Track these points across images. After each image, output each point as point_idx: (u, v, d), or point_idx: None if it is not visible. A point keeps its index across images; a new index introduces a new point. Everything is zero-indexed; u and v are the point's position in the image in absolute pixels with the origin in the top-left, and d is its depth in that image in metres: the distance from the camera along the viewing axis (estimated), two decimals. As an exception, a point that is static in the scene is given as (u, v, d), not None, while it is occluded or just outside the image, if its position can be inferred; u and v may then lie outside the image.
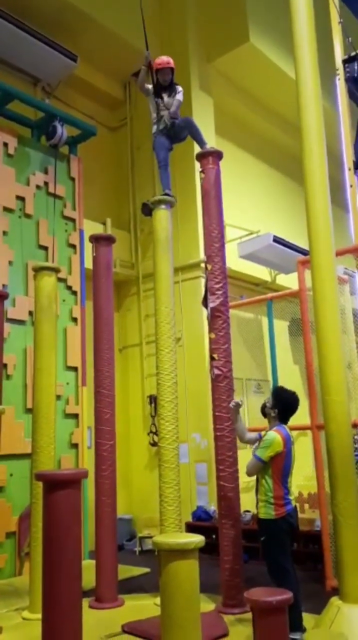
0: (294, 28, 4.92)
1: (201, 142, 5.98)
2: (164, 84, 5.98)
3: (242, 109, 10.76)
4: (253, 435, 4.68)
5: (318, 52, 4.95)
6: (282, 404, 4.38)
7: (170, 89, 5.98)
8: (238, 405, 4.68)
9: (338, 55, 6.95)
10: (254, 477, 4.43)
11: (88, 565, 5.58)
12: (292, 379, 9.00)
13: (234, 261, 9.00)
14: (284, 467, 4.22)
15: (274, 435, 4.23)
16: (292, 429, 4.59)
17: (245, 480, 5.36)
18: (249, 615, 3.56)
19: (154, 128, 6.05)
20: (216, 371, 5.33)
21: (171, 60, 6.01)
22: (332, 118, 8.02)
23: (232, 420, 4.86)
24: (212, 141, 8.97)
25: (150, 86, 6.05)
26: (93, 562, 5.68)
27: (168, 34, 9.70)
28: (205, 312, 5.80)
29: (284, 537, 4.16)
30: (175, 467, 5.28)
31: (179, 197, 8.46)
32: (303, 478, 7.76)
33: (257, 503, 4.28)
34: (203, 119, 9.22)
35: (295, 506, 4.32)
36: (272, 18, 9.64)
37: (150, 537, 8.12)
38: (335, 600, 4.08)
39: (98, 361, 5.93)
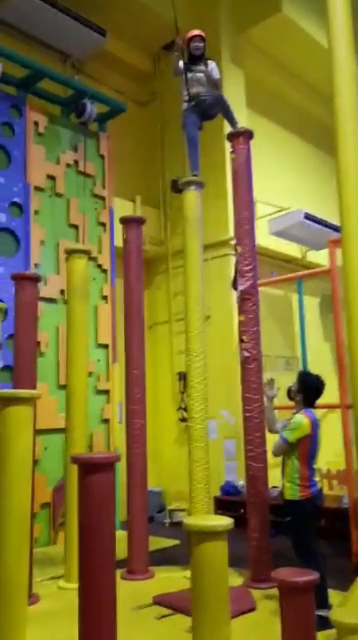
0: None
1: (232, 121, 5.92)
2: (196, 53, 5.92)
3: (274, 81, 10.53)
4: (281, 424, 4.73)
5: (352, 21, 4.83)
6: (306, 389, 4.44)
7: (203, 63, 5.92)
8: (271, 383, 4.68)
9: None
10: (280, 458, 4.52)
11: (119, 536, 5.77)
12: (322, 356, 9.01)
13: (264, 238, 8.94)
14: (310, 450, 4.29)
15: (302, 419, 4.30)
16: (321, 407, 4.63)
17: (272, 457, 5.44)
18: (276, 590, 3.67)
19: (185, 105, 6.00)
20: (245, 353, 5.39)
21: (203, 32, 5.99)
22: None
23: (266, 399, 4.86)
24: (243, 115, 8.83)
25: (181, 63, 5.98)
26: (124, 533, 5.86)
27: (198, 5, 9.47)
28: (234, 291, 5.82)
29: (310, 518, 4.26)
30: (204, 446, 5.40)
31: (208, 174, 8.38)
32: (332, 454, 7.81)
33: (283, 484, 4.37)
34: (235, 92, 9.06)
35: (321, 488, 4.39)
36: (305, -14, 9.36)
37: (180, 510, 8.33)
38: (361, 579, 4.17)
39: (129, 342, 6.02)
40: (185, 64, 5.94)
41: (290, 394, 4.61)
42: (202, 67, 5.95)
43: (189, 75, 5.91)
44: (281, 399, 5.28)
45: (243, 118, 8.67)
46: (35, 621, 4.10)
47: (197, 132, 6.00)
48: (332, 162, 5.55)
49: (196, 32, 6.04)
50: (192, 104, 5.92)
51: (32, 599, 4.73)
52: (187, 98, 5.95)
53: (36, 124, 7.51)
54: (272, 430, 4.84)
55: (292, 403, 4.67)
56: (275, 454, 4.46)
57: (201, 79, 5.88)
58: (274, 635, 3.44)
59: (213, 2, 9.35)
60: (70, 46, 8.48)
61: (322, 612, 3.88)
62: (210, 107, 5.96)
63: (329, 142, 5.69)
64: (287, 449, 4.34)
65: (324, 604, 4.06)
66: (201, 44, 5.97)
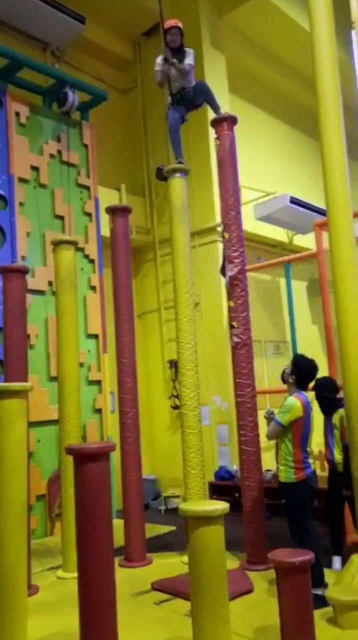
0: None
1: (215, 107, 5.89)
2: (173, 46, 5.83)
3: (256, 65, 10.47)
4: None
5: (333, 3, 4.81)
6: (300, 371, 4.48)
7: (180, 54, 5.84)
8: (270, 413, 4.69)
9: (355, 8, 6.69)
10: (274, 441, 4.57)
11: (116, 525, 5.82)
12: (310, 339, 9.07)
13: (251, 223, 8.95)
14: (303, 432, 4.34)
15: (294, 401, 4.34)
16: (312, 389, 4.69)
17: (265, 440, 5.51)
18: (272, 571, 3.72)
19: (169, 99, 5.98)
20: (236, 339, 5.41)
21: (179, 22, 5.87)
22: (348, 71, 7.79)
23: (268, 422, 4.78)
24: (225, 100, 8.80)
25: (162, 60, 5.87)
26: (121, 521, 5.91)
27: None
28: (222, 278, 5.83)
29: (305, 500, 4.31)
30: (197, 432, 5.44)
31: (193, 161, 8.39)
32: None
33: (278, 467, 4.43)
34: (216, 77, 9.02)
35: (315, 470, 4.44)
36: (285, -33, 9.29)
37: (175, 497, 8.40)
38: (356, 557, 4.23)
39: (119, 332, 6.02)
40: (165, 59, 5.83)
41: (283, 376, 4.66)
42: (181, 57, 5.84)
43: (169, 70, 5.83)
44: (274, 382, 5.34)
45: (226, 103, 8.65)
46: (36, 611, 4.15)
47: (179, 120, 5.96)
48: (315, 146, 5.59)
49: (172, 22, 5.83)
50: (177, 97, 5.90)
51: (32, 590, 4.75)
52: (173, 92, 5.91)
53: (17, 114, 7.41)
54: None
55: (285, 387, 4.72)
56: (269, 437, 4.52)
57: (181, 69, 5.80)
58: (272, 615, 3.51)
59: (192, -14, 9.26)
60: (50, 34, 8.37)
61: (318, 591, 3.95)
62: (195, 97, 5.92)
63: (312, 125, 5.71)
64: (280, 432, 4.38)
65: (320, 583, 4.13)
66: (178, 37, 5.83)
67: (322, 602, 3.90)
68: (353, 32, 6.86)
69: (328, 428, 5.25)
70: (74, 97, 7.75)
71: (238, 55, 9.97)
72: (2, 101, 7.28)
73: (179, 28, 5.79)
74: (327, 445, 5.26)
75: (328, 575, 4.40)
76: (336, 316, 4.56)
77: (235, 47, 9.81)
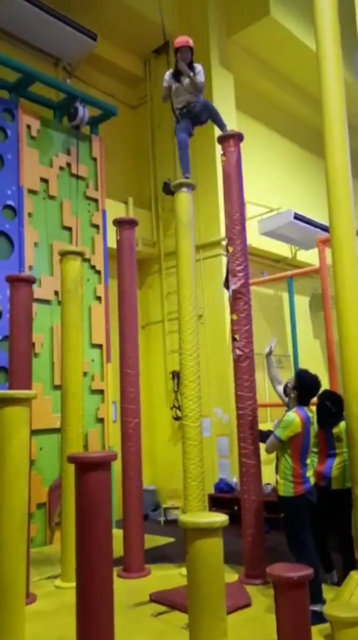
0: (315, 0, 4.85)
1: (221, 126, 5.98)
2: (184, 62, 5.91)
3: (263, 83, 10.60)
4: (276, 421, 4.83)
5: (339, 24, 4.90)
6: (303, 387, 4.51)
7: (189, 69, 5.93)
8: (270, 352, 5.01)
9: (361, 29, 6.80)
10: (274, 454, 4.60)
11: (115, 535, 5.81)
12: (312, 354, 9.10)
13: (255, 238, 9.02)
14: (303, 447, 4.36)
15: (293, 417, 4.37)
16: (314, 404, 4.73)
17: (266, 453, 5.53)
18: (270, 585, 3.73)
19: (176, 112, 6.08)
20: (238, 352, 5.46)
21: (190, 40, 5.95)
22: (353, 91, 7.91)
23: (267, 366, 5.14)
24: (232, 117, 8.92)
25: (169, 76, 5.98)
26: (120, 531, 5.91)
27: (188, 9, 9.55)
28: (226, 291, 5.88)
29: (303, 514, 4.32)
30: (198, 443, 5.47)
31: (199, 175, 8.49)
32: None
33: (277, 481, 4.45)
34: (224, 95, 9.14)
35: (314, 484, 4.45)
36: (293, -11, 9.43)
37: (175, 508, 8.40)
38: (355, 574, 4.22)
39: (123, 342, 6.08)
40: (173, 74, 5.94)
41: (285, 390, 4.69)
42: (189, 74, 5.94)
43: (176, 85, 5.94)
44: (275, 397, 5.38)
45: (233, 120, 8.77)
46: (33, 620, 4.14)
47: (188, 136, 6.06)
48: (320, 163, 5.66)
49: (183, 41, 5.88)
50: (183, 111, 6.00)
51: (29, 598, 4.76)
52: (179, 106, 6.01)
53: (29, 127, 7.54)
54: (274, 389, 5.17)
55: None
56: (268, 452, 4.55)
57: (188, 86, 5.90)
58: (269, 630, 3.51)
59: (202, 6, 9.41)
60: (62, 50, 8.53)
61: (316, 607, 3.95)
62: (200, 114, 6.02)
63: (317, 143, 5.78)
64: (278, 447, 4.41)
65: (318, 599, 4.13)
66: (188, 54, 5.90)
67: (319, 618, 3.89)
68: (359, 53, 6.98)
69: (327, 441, 4.98)
70: (84, 112, 7.88)
71: (246, 74, 10.10)
72: (14, 114, 7.41)
73: (190, 47, 5.89)
74: (322, 460, 4.97)
75: (327, 592, 4.40)
76: (338, 331, 4.60)
77: (243, 65, 9.94)
